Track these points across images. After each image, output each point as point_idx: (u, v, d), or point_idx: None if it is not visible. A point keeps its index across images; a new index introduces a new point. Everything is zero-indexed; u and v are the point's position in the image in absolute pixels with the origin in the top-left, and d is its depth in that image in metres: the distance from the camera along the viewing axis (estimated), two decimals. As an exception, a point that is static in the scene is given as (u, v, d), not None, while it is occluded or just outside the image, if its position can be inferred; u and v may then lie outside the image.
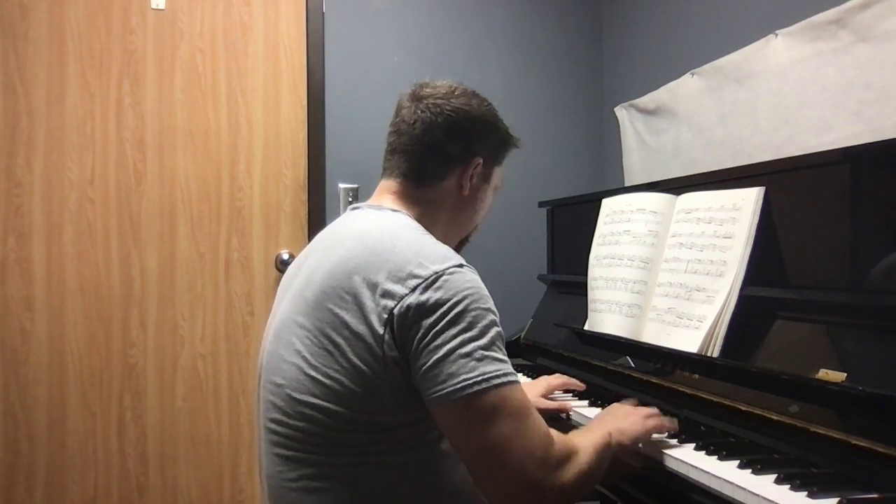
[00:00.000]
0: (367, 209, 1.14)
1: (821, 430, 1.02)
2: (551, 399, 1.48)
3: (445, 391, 0.92)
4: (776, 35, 1.79)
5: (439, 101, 1.14)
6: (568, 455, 0.97)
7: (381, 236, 1.03)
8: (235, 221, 2.34)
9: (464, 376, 0.92)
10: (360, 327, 0.95)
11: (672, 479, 1.09)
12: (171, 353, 2.28)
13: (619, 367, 1.55)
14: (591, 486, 1.03)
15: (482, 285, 0.99)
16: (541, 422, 0.97)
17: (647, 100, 2.40)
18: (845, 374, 1.03)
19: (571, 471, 0.96)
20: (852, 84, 1.57)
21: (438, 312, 0.93)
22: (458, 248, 1.23)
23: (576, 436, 1.06)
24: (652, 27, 2.46)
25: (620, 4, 2.67)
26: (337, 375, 0.96)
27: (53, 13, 2.20)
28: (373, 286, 0.96)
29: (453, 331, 0.93)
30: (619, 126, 2.59)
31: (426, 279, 0.95)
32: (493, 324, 0.97)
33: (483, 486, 0.96)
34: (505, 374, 0.94)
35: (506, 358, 0.97)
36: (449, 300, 0.94)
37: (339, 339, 0.96)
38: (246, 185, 2.35)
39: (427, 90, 1.16)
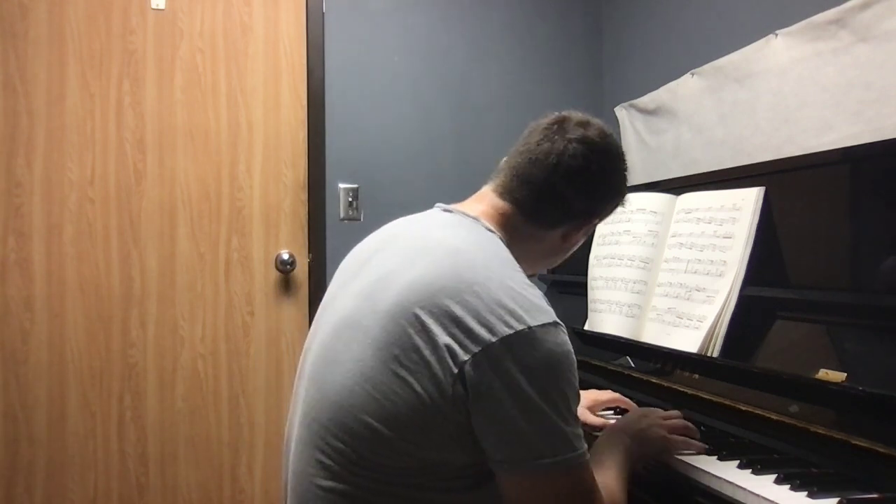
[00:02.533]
0: (461, 218, 1.05)
1: (821, 430, 1.02)
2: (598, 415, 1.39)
3: (523, 463, 0.87)
4: (776, 35, 1.79)
5: (590, 153, 1.05)
6: None
7: (475, 263, 0.94)
8: (235, 221, 2.34)
9: (545, 451, 0.86)
10: (431, 357, 0.88)
11: (672, 479, 1.09)
12: (171, 353, 2.28)
13: (619, 367, 1.55)
14: None
15: (571, 348, 0.91)
16: (601, 496, 0.92)
17: (647, 100, 2.40)
18: (845, 374, 1.03)
19: None
20: (852, 84, 1.57)
21: (525, 374, 0.86)
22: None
23: (608, 476, 1.00)
24: (652, 27, 2.46)
25: (620, 4, 2.67)
26: (395, 398, 0.89)
27: (53, 13, 2.20)
28: (455, 320, 0.88)
29: (539, 399, 0.86)
30: (619, 126, 2.59)
31: (518, 332, 0.86)
32: (577, 393, 0.91)
33: None
34: (584, 453, 0.89)
35: (581, 431, 0.91)
36: (538, 364, 0.86)
37: (407, 363, 0.89)
38: (246, 185, 2.34)
39: (578, 131, 1.06)
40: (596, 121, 1.10)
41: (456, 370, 0.86)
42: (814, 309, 1.17)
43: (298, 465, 0.99)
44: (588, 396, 1.38)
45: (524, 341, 0.86)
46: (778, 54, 1.78)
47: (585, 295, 1.71)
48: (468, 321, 0.87)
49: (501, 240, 1.03)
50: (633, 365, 1.53)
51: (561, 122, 1.08)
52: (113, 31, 2.25)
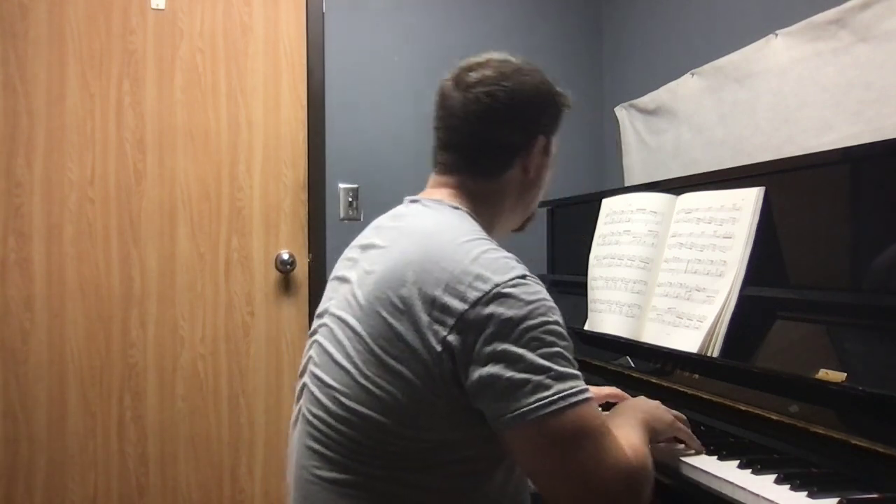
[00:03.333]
0: (426, 204, 1.06)
1: (821, 430, 1.02)
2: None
3: (520, 412, 0.85)
4: (776, 35, 1.79)
5: (491, 89, 1.03)
6: (646, 463, 0.93)
7: (440, 241, 0.95)
8: (235, 221, 2.34)
9: (540, 395, 0.85)
10: (415, 342, 0.89)
11: (672, 479, 1.09)
12: (171, 353, 2.28)
13: (619, 367, 1.55)
14: None
15: (548, 296, 0.92)
16: (616, 438, 0.91)
17: (647, 100, 2.40)
18: (845, 374, 1.03)
19: (650, 479, 0.93)
20: (852, 84, 1.57)
21: (505, 329, 0.87)
22: (523, 227, 1.19)
23: (628, 432, 0.98)
24: (652, 27, 2.46)
25: (620, 4, 2.67)
26: (389, 388, 0.90)
27: (53, 13, 2.20)
28: (429, 298, 0.89)
29: (523, 349, 0.86)
30: (619, 126, 2.59)
31: (488, 293, 0.88)
32: (562, 337, 0.90)
33: None
34: (582, 391, 0.88)
35: (578, 373, 0.90)
36: (515, 315, 0.87)
37: (395, 352, 0.91)
38: (246, 185, 2.34)
39: (473, 76, 1.05)
40: (487, 55, 1.08)
41: (440, 348, 0.88)
42: (814, 309, 1.17)
43: (301, 459, 1.01)
44: None
45: (495, 300, 0.88)
46: (778, 54, 1.78)
47: (585, 295, 1.71)
48: (441, 296, 0.89)
49: (468, 213, 1.04)
50: (633, 365, 1.53)
51: (456, 79, 1.08)
52: (113, 31, 2.25)
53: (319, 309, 1.10)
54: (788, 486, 0.93)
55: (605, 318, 1.60)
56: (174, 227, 2.29)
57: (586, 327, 1.68)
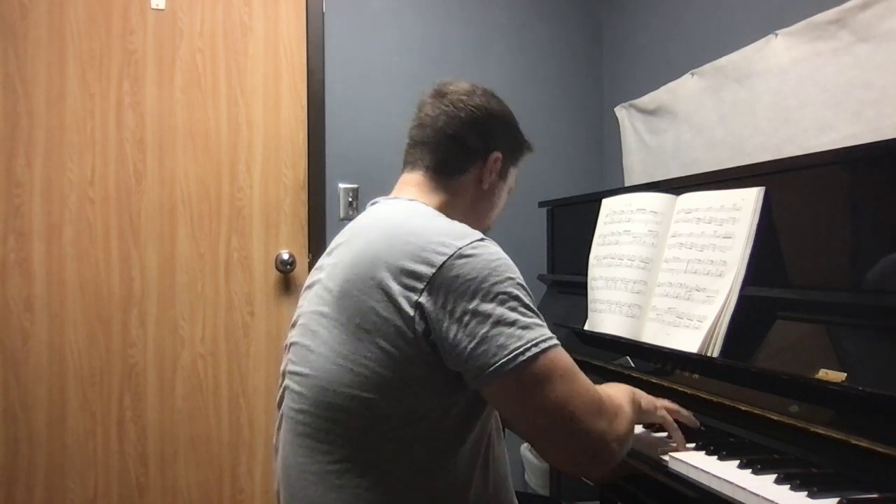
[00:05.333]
0: (385, 201, 1.15)
1: (821, 430, 1.02)
2: None
3: (497, 364, 0.91)
4: (776, 35, 1.79)
5: (462, 98, 1.17)
6: (618, 405, 1.00)
7: (399, 221, 1.04)
8: (235, 221, 2.34)
9: (513, 346, 0.91)
10: (388, 311, 0.95)
11: (672, 479, 1.09)
12: (171, 353, 2.28)
13: (619, 367, 1.55)
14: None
15: (506, 255, 1.00)
16: (587, 379, 0.97)
17: (647, 100, 2.40)
18: (845, 374, 1.03)
19: (624, 419, 0.99)
20: (852, 84, 1.57)
21: (471, 288, 0.93)
22: None
23: (610, 389, 1.05)
24: (652, 27, 2.46)
25: (620, 4, 2.67)
26: (367, 362, 0.95)
27: (53, 13, 2.20)
28: (397, 269, 0.95)
29: (490, 305, 0.93)
30: (619, 126, 2.59)
31: (451, 256, 0.94)
32: (526, 292, 0.97)
33: (550, 452, 0.97)
34: (550, 338, 0.95)
35: (544, 322, 0.97)
36: (479, 274, 0.94)
37: (369, 326, 0.96)
38: (246, 185, 2.34)
39: (450, 88, 1.19)
40: (474, 85, 1.21)
41: (413, 312, 0.94)
42: (814, 309, 1.17)
43: (290, 458, 1.04)
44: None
45: (458, 261, 0.95)
46: (778, 54, 1.78)
47: (585, 295, 1.71)
48: (409, 265, 0.95)
49: (423, 203, 1.12)
50: (633, 365, 1.53)
51: (434, 90, 1.20)
52: (113, 31, 2.25)
53: (293, 319, 1.14)
54: (788, 486, 0.93)
55: (605, 318, 1.60)
56: (174, 227, 2.29)
57: (586, 327, 1.68)
